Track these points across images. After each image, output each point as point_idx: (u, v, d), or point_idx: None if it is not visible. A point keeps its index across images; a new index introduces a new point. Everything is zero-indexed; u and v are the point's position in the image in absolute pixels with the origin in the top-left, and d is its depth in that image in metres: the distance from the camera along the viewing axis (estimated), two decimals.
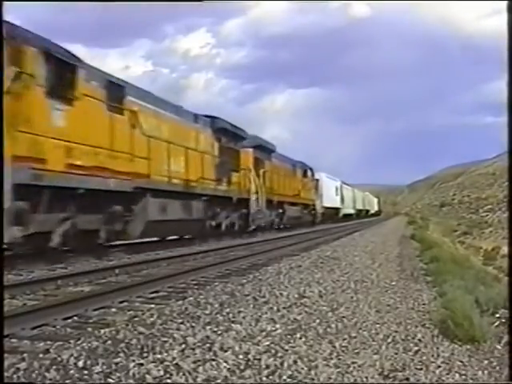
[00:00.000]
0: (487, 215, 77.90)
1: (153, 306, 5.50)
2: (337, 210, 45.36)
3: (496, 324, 5.19)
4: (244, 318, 4.74)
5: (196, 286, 6.92)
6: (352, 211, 55.19)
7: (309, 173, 33.10)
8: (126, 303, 5.74)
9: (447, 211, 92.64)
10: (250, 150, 20.86)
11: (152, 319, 4.62)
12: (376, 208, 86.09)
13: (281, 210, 25.36)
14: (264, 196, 21.42)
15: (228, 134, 18.11)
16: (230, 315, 4.83)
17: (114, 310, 5.39)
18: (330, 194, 42.02)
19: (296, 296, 5.99)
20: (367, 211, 71.88)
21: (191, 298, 5.76)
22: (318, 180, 36.80)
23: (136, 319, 4.66)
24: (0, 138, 4.67)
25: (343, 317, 5.04)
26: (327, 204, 39.50)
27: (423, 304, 6.08)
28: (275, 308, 5.26)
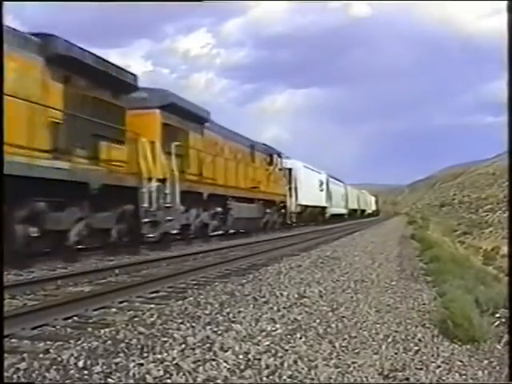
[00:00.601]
0: (487, 215, 77.91)
1: (153, 306, 5.50)
2: (322, 209, 37.87)
3: (496, 324, 5.19)
4: (244, 317, 4.74)
5: (196, 286, 6.92)
6: (343, 211, 47.80)
7: (276, 160, 25.24)
8: (126, 303, 5.74)
9: (447, 211, 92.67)
10: (156, 111, 13.31)
11: (152, 319, 4.62)
12: (374, 207, 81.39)
13: (220, 209, 17.31)
14: (178, 185, 13.34)
15: (89, 74, 10.25)
16: (230, 315, 4.83)
17: (114, 309, 5.39)
18: (311, 189, 33.71)
19: (296, 296, 5.99)
20: (363, 211, 66.06)
21: (191, 298, 5.76)
22: (291, 170, 29.06)
23: (136, 319, 4.66)
24: (0, 138, 4.67)
25: (343, 317, 5.04)
26: (306, 201, 31.38)
27: (423, 304, 6.08)
28: (275, 308, 5.26)
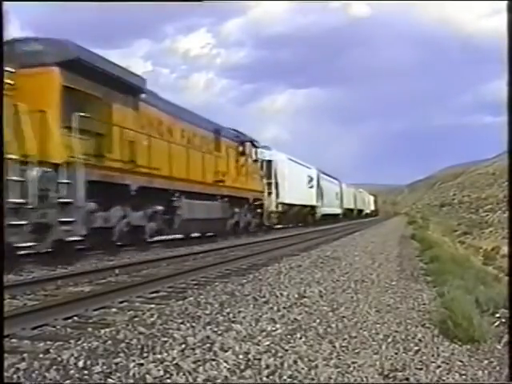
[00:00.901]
0: (487, 215, 77.91)
1: (153, 306, 5.51)
2: (312, 208, 33.71)
3: (496, 324, 5.19)
4: (244, 317, 4.74)
5: (196, 286, 6.92)
6: (338, 211, 44.22)
7: (250, 149, 20.80)
8: (126, 303, 5.74)
9: (447, 211, 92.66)
10: (53, 68, 9.50)
11: (152, 319, 4.62)
12: (372, 207, 78.27)
13: (161, 207, 13.12)
14: (83, 172, 9.49)
15: None
16: (230, 315, 4.83)
17: (114, 309, 5.40)
18: (298, 186, 29.54)
19: (296, 296, 5.99)
20: (360, 211, 62.37)
21: (191, 298, 5.76)
22: (270, 162, 25.20)
23: (136, 319, 4.66)
24: (0, 138, 4.67)
25: (343, 317, 5.04)
26: (290, 199, 27.34)
27: (423, 304, 6.08)
28: (275, 308, 5.26)
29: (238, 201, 19.02)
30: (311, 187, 33.69)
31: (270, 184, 24.52)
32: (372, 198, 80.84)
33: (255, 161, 21.66)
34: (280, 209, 25.69)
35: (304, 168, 32.86)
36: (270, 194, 24.18)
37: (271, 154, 25.70)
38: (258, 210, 21.59)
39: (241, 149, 19.78)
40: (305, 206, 31.76)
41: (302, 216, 31.79)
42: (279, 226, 26.74)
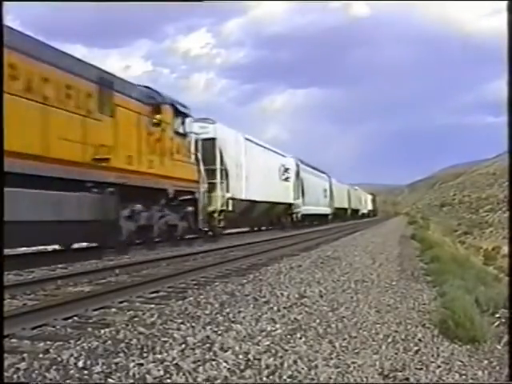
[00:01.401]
0: (487, 215, 77.96)
1: (153, 306, 5.50)
2: (288, 207, 26.92)
3: (496, 324, 5.19)
4: (244, 317, 4.74)
5: (196, 286, 6.92)
6: (326, 210, 37.48)
7: (172, 117, 13.82)
8: (126, 303, 5.74)
9: (447, 211, 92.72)
10: None
11: (152, 319, 4.62)
12: (370, 207, 72.12)
13: None
14: None
15: None
16: (230, 315, 4.83)
17: (114, 309, 5.39)
18: (264, 177, 22.02)
19: (296, 296, 5.99)
20: (356, 211, 55.72)
21: (191, 298, 5.76)
22: (213, 141, 17.38)
23: (136, 319, 4.66)
24: (0, 138, 4.66)
25: (343, 317, 5.04)
26: (251, 195, 20.08)
27: (423, 304, 6.08)
28: (275, 308, 5.26)
29: (146, 193, 12.49)
30: (286, 180, 26.31)
31: (212, 172, 17.09)
32: (370, 197, 74.52)
33: (183, 135, 14.63)
34: (230, 207, 18.09)
35: (275, 155, 25.32)
36: (212, 185, 16.96)
37: (216, 128, 17.84)
38: (190, 209, 14.92)
39: (156, 116, 13.17)
40: (277, 204, 24.57)
41: (274, 217, 25.82)
42: (246, 230, 21.99)
